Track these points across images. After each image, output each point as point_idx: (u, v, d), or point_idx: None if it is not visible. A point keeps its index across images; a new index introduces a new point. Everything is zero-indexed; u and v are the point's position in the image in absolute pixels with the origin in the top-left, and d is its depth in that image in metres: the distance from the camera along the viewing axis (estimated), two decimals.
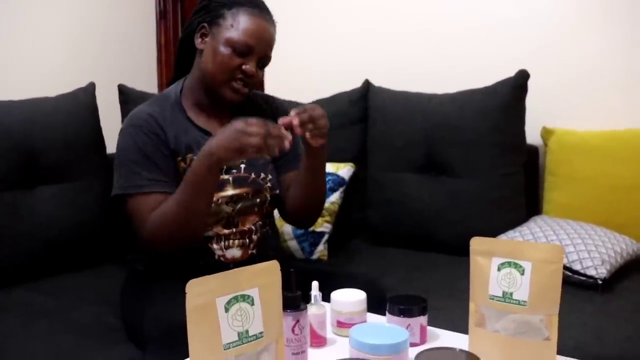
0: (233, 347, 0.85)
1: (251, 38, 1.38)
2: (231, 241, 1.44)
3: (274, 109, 1.59)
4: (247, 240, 1.46)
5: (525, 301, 1.02)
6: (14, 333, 1.41)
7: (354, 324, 1.15)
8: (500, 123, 1.95)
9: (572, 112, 2.09)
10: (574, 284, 1.60)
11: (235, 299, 0.85)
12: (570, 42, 2.09)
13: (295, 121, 1.30)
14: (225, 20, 1.40)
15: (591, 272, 1.59)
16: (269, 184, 1.51)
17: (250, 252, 1.47)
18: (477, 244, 1.07)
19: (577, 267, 1.61)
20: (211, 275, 0.84)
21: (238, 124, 1.25)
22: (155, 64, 2.76)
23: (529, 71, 1.95)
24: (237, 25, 1.38)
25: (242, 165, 1.48)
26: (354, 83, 2.27)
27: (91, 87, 1.98)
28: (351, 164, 2.12)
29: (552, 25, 2.12)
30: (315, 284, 1.19)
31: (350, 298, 1.22)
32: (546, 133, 2.05)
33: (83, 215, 1.84)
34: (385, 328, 1.08)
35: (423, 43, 2.32)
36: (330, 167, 1.99)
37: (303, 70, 2.54)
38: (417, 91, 2.14)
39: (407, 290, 1.62)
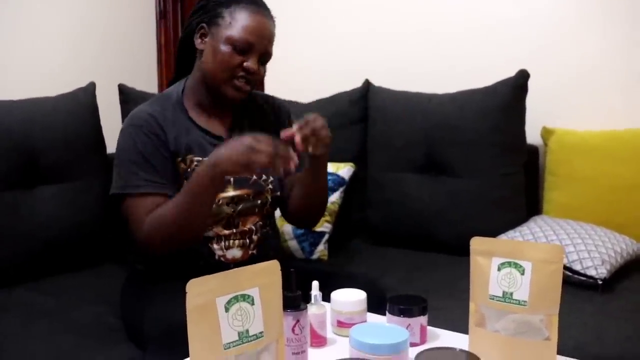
0: (233, 346, 0.85)
1: (251, 35, 1.38)
2: (231, 241, 1.44)
3: (275, 108, 1.59)
4: (248, 241, 1.46)
5: (525, 301, 1.02)
6: (14, 333, 1.41)
7: (354, 324, 1.15)
8: (501, 123, 1.95)
9: (572, 112, 2.09)
10: (574, 284, 1.60)
11: (236, 298, 0.85)
12: (570, 42, 2.09)
13: (297, 138, 1.30)
14: (224, 19, 1.39)
15: (591, 272, 1.59)
16: (270, 186, 1.50)
17: (250, 252, 1.47)
18: (477, 244, 1.08)
19: (577, 267, 1.61)
20: (211, 275, 0.84)
21: (247, 140, 1.26)
22: (156, 64, 2.76)
23: (529, 71, 1.95)
24: (236, 22, 1.38)
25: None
26: (354, 83, 2.27)
27: (91, 87, 1.98)
28: (351, 163, 2.12)
29: (552, 25, 2.12)
30: (315, 284, 1.19)
31: (350, 298, 1.22)
32: (546, 133, 2.05)
33: (83, 215, 1.84)
34: (386, 328, 1.08)
35: (423, 43, 2.32)
36: (330, 167, 1.99)
37: (303, 70, 2.54)
38: (417, 91, 2.14)
39: (407, 290, 1.62)
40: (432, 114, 2.03)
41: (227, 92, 1.41)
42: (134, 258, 1.57)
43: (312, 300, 1.18)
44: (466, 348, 1.04)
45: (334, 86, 2.31)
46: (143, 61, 2.71)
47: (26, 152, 1.75)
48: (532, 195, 2.07)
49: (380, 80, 2.24)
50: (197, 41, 1.44)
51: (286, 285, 1.01)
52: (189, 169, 1.42)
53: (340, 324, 1.21)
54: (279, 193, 1.53)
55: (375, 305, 1.28)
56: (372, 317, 1.26)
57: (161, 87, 2.75)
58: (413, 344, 1.12)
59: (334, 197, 2.02)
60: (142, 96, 2.06)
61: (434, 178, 2.03)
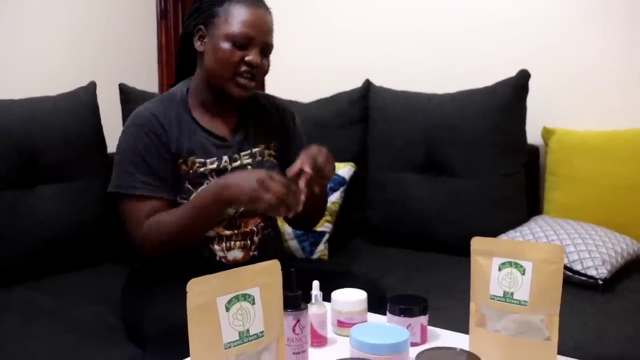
0: (234, 346, 0.85)
1: (248, 28, 1.37)
2: (233, 242, 1.44)
3: (279, 110, 1.59)
4: (249, 242, 1.46)
5: (525, 301, 1.02)
6: (15, 332, 1.41)
7: (354, 324, 1.15)
8: (501, 123, 1.95)
9: (572, 112, 2.09)
10: (575, 284, 1.60)
11: (236, 298, 0.85)
12: (570, 42, 2.09)
13: (302, 184, 1.28)
14: (220, 17, 1.39)
15: (592, 272, 1.59)
16: None
17: (251, 253, 1.47)
18: (477, 243, 1.07)
19: (577, 267, 1.61)
20: (212, 275, 0.84)
21: (262, 174, 1.26)
22: (156, 64, 2.76)
23: (530, 71, 1.95)
24: (232, 18, 1.37)
25: (249, 167, 1.48)
26: (354, 83, 2.27)
27: (92, 87, 1.98)
28: (351, 163, 2.12)
29: (552, 25, 2.12)
30: (315, 284, 1.19)
31: (350, 298, 1.22)
32: (547, 133, 2.05)
33: (83, 214, 1.84)
34: (386, 328, 1.08)
35: (424, 43, 2.32)
36: None
37: (303, 70, 2.54)
38: (418, 91, 2.14)
39: (408, 290, 1.62)
40: (433, 114, 2.03)
41: (231, 91, 1.40)
42: (134, 258, 1.57)
43: (313, 300, 1.18)
44: (467, 348, 1.04)
45: (334, 86, 2.30)
46: (144, 61, 2.71)
47: (26, 151, 1.75)
48: (533, 195, 2.07)
49: (380, 80, 2.24)
50: (197, 44, 1.43)
51: (287, 285, 1.01)
52: (190, 171, 1.42)
53: (341, 324, 1.21)
54: None
55: (376, 305, 1.28)
56: (373, 317, 1.26)
57: (162, 86, 2.75)
58: (413, 344, 1.12)
59: (335, 197, 2.02)
60: (143, 96, 2.06)
61: (434, 178, 2.03)
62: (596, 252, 1.62)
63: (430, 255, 1.97)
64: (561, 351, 1.03)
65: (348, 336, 1.05)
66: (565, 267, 1.58)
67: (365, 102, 2.20)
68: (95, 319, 1.50)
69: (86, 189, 1.86)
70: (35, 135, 1.77)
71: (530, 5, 2.14)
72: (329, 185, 1.85)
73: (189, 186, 1.41)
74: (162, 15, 2.73)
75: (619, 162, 1.88)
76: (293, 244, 1.95)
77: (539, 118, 2.06)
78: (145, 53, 2.71)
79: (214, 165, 1.43)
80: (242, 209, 1.42)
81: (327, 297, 1.23)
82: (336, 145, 2.14)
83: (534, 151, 2.10)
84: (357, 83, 2.26)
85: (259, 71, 1.41)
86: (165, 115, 1.43)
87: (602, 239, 1.67)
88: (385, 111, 2.13)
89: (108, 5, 2.52)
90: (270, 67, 1.46)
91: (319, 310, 1.16)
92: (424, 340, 1.17)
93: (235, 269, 0.87)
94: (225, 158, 1.45)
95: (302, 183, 1.29)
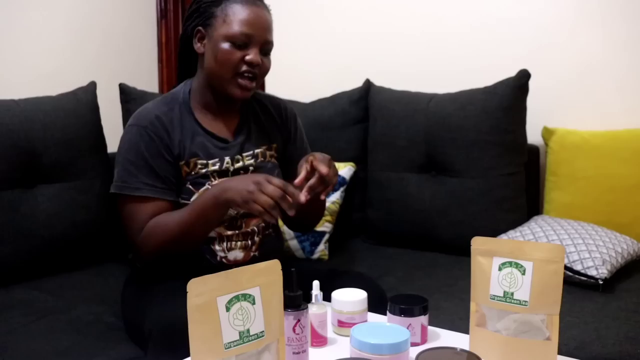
0: (234, 346, 0.85)
1: (247, 27, 1.37)
2: (233, 242, 1.44)
3: (282, 111, 1.59)
4: (250, 242, 1.46)
5: (526, 301, 1.02)
6: (15, 331, 1.41)
7: (354, 324, 1.15)
8: (501, 123, 1.95)
9: (573, 112, 2.09)
10: (575, 284, 1.60)
11: (237, 298, 0.85)
12: (570, 42, 2.09)
13: (303, 198, 1.28)
14: (218, 18, 1.38)
15: (592, 272, 1.59)
16: None
17: (252, 253, 1.47)
18: (478, 243, 1.08)
19: (578, 267, 1.61)
20: (212, 275, 0.84)
21: (259, 177, 1.26)
22: (156, 63, 2.76)
23: (530, 71, 1.95)
24: (230, 18, 1.37)
25: (251, 168, 1.48)
26: (354, 82, 2.27)
27: (92, 86, 1.98)
28: (352, 163, 2.12)
29: (552, 25, 2.12)
30: (316, 284, 1.19)
31: (351, 297, 1.22)
32: (547, 133, 2.05)
33: (84, 214, 1.84)
34: (386, 328, 1.08)
35: (424, 43, 2.32)
36: None
37: (303, 70, 2.54)
38: (418, 91, 2.14)
39: (408, 289, 1.63)
40: (433, 114, 2.03)
41: (232, 92, 1.40)
42: (135, 257, 1.57)
43: (313, 300, 1.18)
44: (467, 348, 1.04)
45: (334, 86, 2.30)
46: (144, 60, 2.71)
47: (27, 151, 1.75)
48: (533, 195, 2.07)
49: (380, 80, 2.24)
50: (197, 45, 1.43)
51: (287, 285, 1.01)
52: (192, 172, 1.42)
53: (341, 324, 1.21)
54: None
55: (376, 304, 1.28)
56: (373, 317, 1.26)
57: (162, 86, 2.75)
58: (414, 344, 1.12)
59: (335, 197, 2.02)
60: (143, 96, 2.07)
61: (434, 178, 2.03)
62: (596, 252, 1.62)
63: (430, 255, 1.97)
64: (561, 351, 1.04)
65: (348, 336, 1.05)
66: (566, 267, 1.58)
67: (365, 102, 2.20)
68: (96, 318, 1.50)
69: (86, 189, 1.86)
70: (35, 135, 1.77)
71: (530, 5, 2.14)
72: None
73: (190, 187, 1.42)
74: (162, 15, 2.73)
75: (619, 162, 1.88)
76: (293, 244, 1.95)
77: (539, 118, 2.06)
78: (145, 53, 2.71)
79: (216, 167, 1.43)
80: (241, 210, 1.43)
81: (327, 297, 1.23)
82: (336, 145, 2.16)
83: (534, 151, 2.10)
84: (357, 83, 2.26)
85: (260, 70, 1.41)
86: (168, 117, 1.42)
87: (602, 239, 1.67)
88: (385, 111, 2.13)
89: (108, 5, 2.52)
90: (271, 67, 1.46)
91: (319, 310, 1.16)
92: (424, 340, 1.17)
93: (236, 268, 0.87)
94: (227, 159, 1.45)
95: (304, 195, 1.28)
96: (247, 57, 1.37)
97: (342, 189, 2.05)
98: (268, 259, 0.92)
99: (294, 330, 1.07)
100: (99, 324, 1.48)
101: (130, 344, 1.38)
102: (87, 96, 1.95)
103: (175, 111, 1.44)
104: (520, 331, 1.04)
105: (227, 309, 0.84)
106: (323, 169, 1.28)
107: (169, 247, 1.36)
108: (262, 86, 2.52)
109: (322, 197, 1.34)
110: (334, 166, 1.35)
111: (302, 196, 1.28)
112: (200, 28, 1.42)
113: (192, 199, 1.40)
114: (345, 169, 2.08)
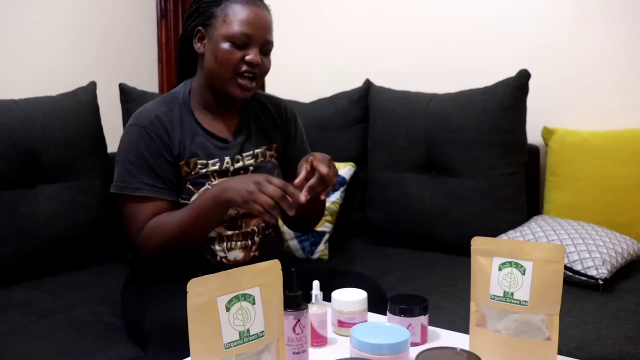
0: (234, 346, 0.85)
1: (247, 27, 1.36)
2: (234, 242, 1.44)
3: (282, 111, 1.59)
4: (250, 242, 1.46)
5: (526, 301, 1.02)
6: (15, 331, 1.41)
7: (354, 324, 1.15)
8: (501, 123, 1.95)
9: (573, 112, 2.09)
10: (575, 284, 1.60)
11: (237, 298, 0.85)
12: (570, 42, 2.09)
13: (303, 198, 1.28)
14: (217, 18, 1.38)
15: (592, 272, 1.59)
16: None
17: (252, 253, 1.47)
18: (478, 243, 1.08)
19: (578, 267, 1.61)
20: (212, 275, 0.84)
21: (259, 177, 1.27)
22: (156, 63, 2.76)
23: (530, 71, 1.95)
24: (230, 18, 1.37)
25: (251, 168, 1.48)
26: (354, 82, 2.27)
27: (92, 86, 1.98)
28: (352, 163, 2.12)
29: (552, 25, 2.12)
30: (316, 284, 1.19)
31: (351, 297, 1.22)
32: (547, 133, 2.05)
33: (84, 214, 1.84)
34: (386, 328, 1.08)
35: (424, 43, 2.32)
36: None
37: (303, 70, 2.54)
38: (418, 91, 2.14)
39: (408, 289, 1.63)
40: (433, 114, 2.03)
41: (232, 92, 1.40)
42: (135, 257, 1.57)
43: (313, 300, 1.18)
44: (467, 348, 1.04)
45: (334, 86, 2.30)
46: (144, 60, 2.71)
47: (27, 151, 1.75)
48: (533, 195, 2.07)
49: (380, 80, 2.24)
50: (197, 45, 1.43)
51: (287, 285, 1.01)
52: (192, 172, 1.42)
53: (341, 324, 1.21)
54: None
55: (376, 304, 1.28)
56: (373, 317, 1.26)
57: (162, 86, 2.75)
58: (414, 344, 1.12)
59: (335, 197, 2.02)
60: (143, 96, 2.07)
61: (434, 178, 2.03)
62: (596, 252, 1.62)
63: (430, 255, 1.97)
64: (561, 351, 1.04)
65: (348, 336, 1.05)
66: (566, 267, 1.58)
67: (365, 102, 2.20)
68: (96, 318, 1.50)
69: (86, 189, 1.86)
70: (35, 135, 1.77)
71: (530, 5, 2.14)
72: None
73: (190, 187, 1.42)
74: (162, 15, 2.73)
75: (619, 162, 1.88)
76: (293, 244, 1.95)
77: (539, 118, 2.06)
78: (145, 53, 2.71)
79: (216, 167, 1.44)
80: (241, 210, 1.43)
81: (327, 297, 1.23)
82: (336, 145, 2.16)
83: (534, 151, 2.10)
84: (357, 83, 2.26)
85: (260, 70, 1.40)
86: (168, 118, 1.42)
87: (602, 239, 1.67)
88: (385, 111, 2.13)
89: (108, 5, 2.52)
90: (271, 67, 1.45)
91: (319, 310, 1.16)
92: (424, 340, 1.17)
93: (236, 268, 0.87)
94: (227, 159, 1.45)
95: (304, 195, 1.28)
96: (247, 57, 1.37)
97: (342, 189, 2.05)
98: (268, 259, 0.92)
99: (294, 330, 1.07)
100: (99, 324, 1.48)
101: (130, 344, 1.38)
102: (87, 96, 1.95)
103: (175, 111, 1.44)
104: (520, 331, 1.04)
105: (227, 309, 0.84)
106: (323, 169, 1.28)
107: (169, 247, 1.36)
108: (262, 86, 2.52)
109: (322, 197, 1.34)
110: (334, 166, 1.35)
111: (302, 196, 1.28)
112: (200, 28, 1.42)
113: (192, 199, 1.40)
114: (345, 169, 2.08)
